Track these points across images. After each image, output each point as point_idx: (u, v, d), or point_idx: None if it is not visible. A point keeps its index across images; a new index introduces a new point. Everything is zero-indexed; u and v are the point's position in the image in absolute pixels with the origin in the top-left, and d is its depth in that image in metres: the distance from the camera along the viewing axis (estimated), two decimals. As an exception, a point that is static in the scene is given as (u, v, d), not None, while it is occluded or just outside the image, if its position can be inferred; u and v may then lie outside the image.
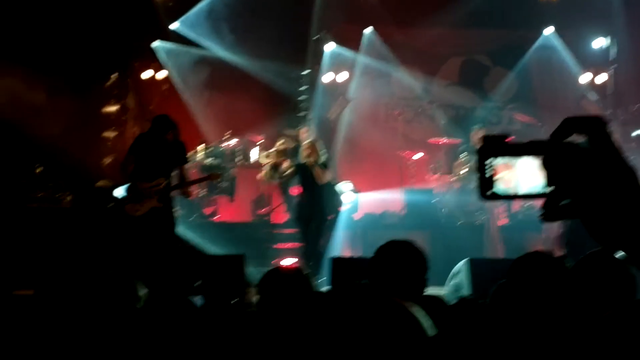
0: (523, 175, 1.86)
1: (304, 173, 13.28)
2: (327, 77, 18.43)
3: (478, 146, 1.88)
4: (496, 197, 1.87)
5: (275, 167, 14.21)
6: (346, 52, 18.44)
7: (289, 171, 13.74)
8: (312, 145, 13.24)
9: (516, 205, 15.99)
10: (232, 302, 10.09)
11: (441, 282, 9.98)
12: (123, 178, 11.62)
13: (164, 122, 11.55)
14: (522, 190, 1.88)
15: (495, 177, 1.88)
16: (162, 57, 18.00)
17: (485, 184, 1.86)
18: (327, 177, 13.28)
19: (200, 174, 15.75)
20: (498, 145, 1.88)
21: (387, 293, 4.53)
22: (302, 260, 13.25)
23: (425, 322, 2.91)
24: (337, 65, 18.45)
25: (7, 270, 11.12)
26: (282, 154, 14.69)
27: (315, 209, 13.25)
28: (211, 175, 13.84)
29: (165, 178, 11.50)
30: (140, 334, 3.09)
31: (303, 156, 13.22)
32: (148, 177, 11.39)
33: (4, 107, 15.68)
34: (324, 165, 13.29)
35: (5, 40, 15.61)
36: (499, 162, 1.88)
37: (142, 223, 11.36)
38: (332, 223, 14.70)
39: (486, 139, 1.88)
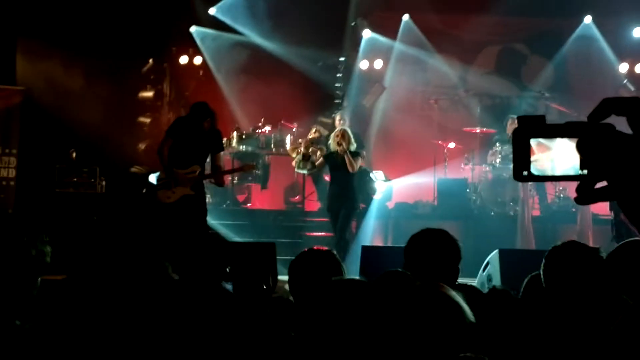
0: (559, 156, 1.83)
1: (334, 162, 12.99)
2: (363, 64, 18.38)
3: (514, 128, 1.84)
4: (531, 178, 1.83)
5: (305, 157, 13.75)
6: (383, 39, 18.37)
7: (318, 162, 13.54)
8: (343, 133, 12.90)
9: (550, 196, 15.91)
10: (262, 289, 10.11)
11: (473, 273, 9.94)
12: (160, 161, 11.59)
13: (203, 109, 11.46)
14: (557, 171, 1.84)
15: (531, 158, 1.84)
16: (199, 42, 18.01)
17: (521, 165, 1.83)
18: (357, 165, 12.93)
19: (233, 161, 15.78)
20: (535, 127, 1.84)
21: (421, 281, 4.51)
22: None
23: (467, 308, 2.88)
24: (374, 52, 18.39)
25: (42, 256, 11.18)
26: (314, 142, 14.59)
27: (345, 199, 12.95)
28: (245, 166, 13.78)
29: (199, 166, 11.45)
30: (173, 318, 3.07)
31: (333, 144, 12.93)
32: (182, 164, 11.36)
33: (42, 92, 15.77)
34: (355, 154, 12.93)
35: (44, 25, 15.68)
36: (535, 143, 1.84)
37: (174, 210, 11.33)
38: (364, 212, 14.69)
39: (523, 119, 1.84)
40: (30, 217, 13.67)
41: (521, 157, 1.82)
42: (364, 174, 15.12)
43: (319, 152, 14.12)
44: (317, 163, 13.59)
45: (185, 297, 3.14)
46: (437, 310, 2.91)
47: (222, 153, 12.02)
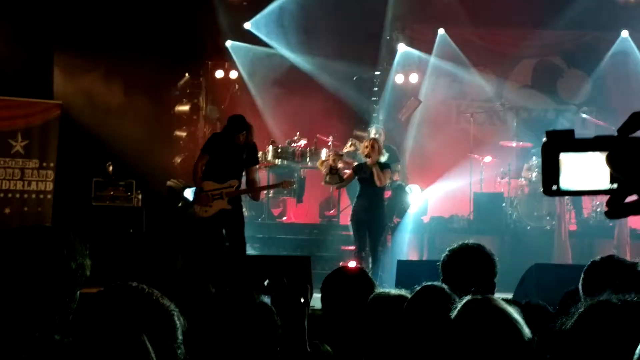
0: (588, 171, 1.81)
1: (363, 174, 12.52)
2: (398, 78, 18.37)
3: (543, 142, 1.83)
4: (561, 192, 1.82)
5: (332, 170, 13.28)
6: (418, 53, 18.36)
7: (347, 175, 13.07)
8: (372, 144, 12.46)
9: (586, 210, 15.81)
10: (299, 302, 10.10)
11: (509, 288, 9.88)
12: (194, 178, 11.64)
13: (239, 123, 11.48)
14: (587, 186, 1.83)
15: (560, 172, 1.83)
16: (234, 56, 18.09)
17: (550, 179, 1.82)
18: (386, 179, 12.55)
19: (269, 175, 15.81)
20: (563, 140, 1.83)
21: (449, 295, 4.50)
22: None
23: (523, 325, 2.85)
24: (409, 66, 18.38)
25: (75, 269, 11.22)
26: (347, 155, 14.49)
27: (374, 214, 12.47)
28: (284, 183, 13.46)
29: (237, 180, 11.47)
30: (211, 330, 3.07)
31: (363, 155, 12.59)
32: (220, 178, 11.38)
33: (79, 105, 15.89)
34: (385, 166, 12.50)
35: (82, 38, 15.80)
36: (564, 157, 1.83)
37: (211, 224, 11.35)
38: (399, 226, 14.66)
39: (551, 134, 1.83)
40: (69, 230, 13.73)
41: (550, 171, 1.81)
42: (399, 188, 15.10)
43: (342, 166, 13.61)
44: (345, 176, 13.14)
45: (223, 310, 3.14)
46: (494, 327, 2.88)
47: (256, 167, 12.04)
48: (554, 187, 1.82)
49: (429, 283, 4.11)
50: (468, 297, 3.35)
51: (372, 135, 15.06)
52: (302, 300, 3.59)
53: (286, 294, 3.57)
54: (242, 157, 11.46)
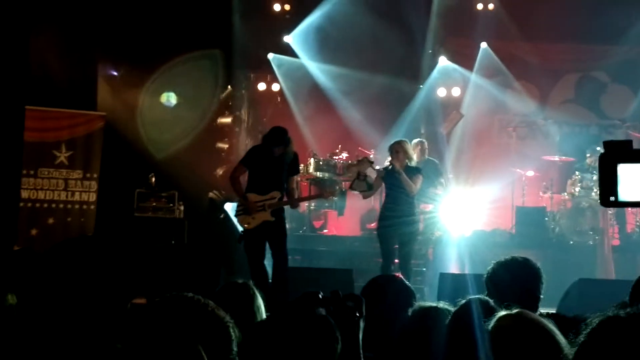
0: None
1: (390, 179, 11.77)
2: (441, 91, 18.35)
3: (601, 153, 1.82)
4: (619, 203, 1.80)
5: (360, 176, 12.25)
6: (460, 67, 18.32)
7: (375, 181, 12.16)
8: (396, 148, 11.76)
9: (630, 225, 15.69)
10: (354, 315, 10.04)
11: (551, 303, 9.81)
12: (234, 188, 11.66)
13: (277, 136, 11.44)
14: None
15: (618, 184, 1.81)
16: (276, 69, 18.13)
17: (608, 190, 1.80)
18: (418, 186, 11.69)
19: (310, 187, 15.83)
20: (621, 151, 1.81)
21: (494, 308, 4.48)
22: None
23: (562, 339, 2.83)
24: (451, 79, 18.34)
25: (122, 280, 11.28)
26: (372, 162, 13.60)
27: (402, 224, 11.67)
28: (325, 193, 12.95)
29: (278, 191, 11.47)
30: (270, 343, 3.07)
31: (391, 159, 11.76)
32: (262, 190, 11.38)
33: (122, 117, 16.02)
34: (416, 171, 11.79)
35: (125, 50, 15.93)
36: (621, 168, 1.81)
37: (254, 235, 11.35)
38: (441, 239, 14.64)
39: (609, 144, 1.81)
40: (117, 240, 13.84)
41: (608, 183, 1.80)
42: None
43: (369, 171, 12.43)
44: (373, 183, 12.18)
45: (284, 322, 3.13)
46: (530, 340, 2.86)
47: (297, 176, 12.01)
48: (612, 198, 1.81)
49: (474, 296, 4.09)
50: (503, 312, 3.33)
51: (415, 149, 15.04)
52: (358, 313, 3.58)
53: (342, 306, 3.56)
54: (283, 168, 11.41)
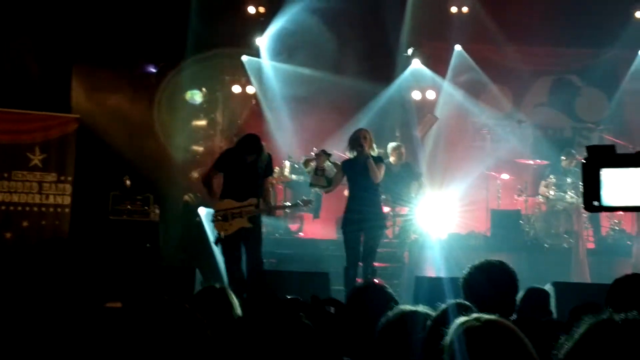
0: (630, 186, 1.80)
1: (352, 169, 11.37)
2: (415, 94, 18.36)
3: (584, 157, 1.83)
4: (602, 208, 1.81)
5: (318, 171, 11.87)
6: (433, 70, 18.34)
7: (335, 174, 11.69)
8: (367, 133, 11.37)
9: (604, 229, 15.77)
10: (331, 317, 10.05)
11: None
12: (208, 192, 11.67)
13: (249, 144, 11.41)
14: (630, 202, 1.82)
15: (601, 188, 1.82)
16: (249, 71, 18.09)
17: (591, 195, 1.81)
18: (381, 174, 11.25)
19: (285, 190, 15.83)
20: (605, 156, 1.82)
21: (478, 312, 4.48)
22: (348, 277, 11.33)
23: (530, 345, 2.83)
24: (425, 82, 18.35)
25: (96, 283, 11.23)
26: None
27: (368, 225, 11.33)
28: (304, 201, 12.57)
29: (256, 198, 11.45)
30: (248, 347, 3.06)
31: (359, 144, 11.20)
32: (239, 197, 11.37)
33: (96, 119, 15.94)
34: (379, 160, 11.37)
35: (99, 52, 15.86)
36: (605, 173, 1.82)
37: (230, 242, 11.35)
38: (418, 242, 14.67)
39: (593, 149, 1.82)
40: (91, 243, 13.82)
41: (592, 187, 1.80)
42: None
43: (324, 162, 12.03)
44: (334, 177, 11.79)
45: (264, 326, 3.13)
46: (506, 347, 2.86)
47: (271, 177, 11.99)
48: (596, 203, 1.81)
49: (454, 301, 4.10)
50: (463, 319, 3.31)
51: (389, 151, 15.08)
52: (338, 318, 3.57)
53: (322, 312, 3.55)
54: (258, 173, 11.42)
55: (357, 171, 11.26)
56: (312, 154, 13.10)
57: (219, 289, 4.90)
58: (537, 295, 7.13)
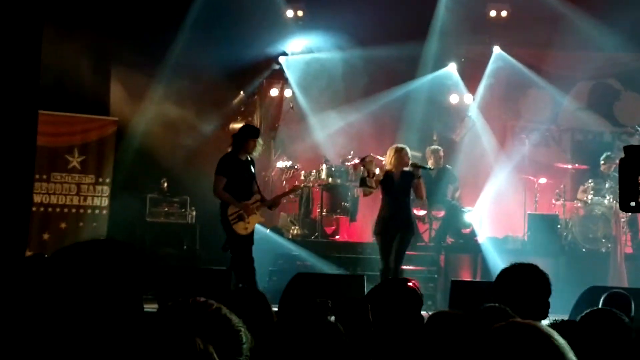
0: None
1: (388, 183, 12.04)
2: (453, 98, 18.30)
3: (621, 157, 1.82)
4: (639, 208, 1.80)
5: (369, 174, 12.27)
6: (470, 73, 18.24)
7: (376, 178, 12.15)
8: (399, 151, 12.08)
9: (643, 234, 15.66)
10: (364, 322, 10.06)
11: (564, 310, 9.78)
12: (224, 200, 11.85)
13: (254, 129, 12.24)
14: None
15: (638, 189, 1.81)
16: (288, 71, 18.10)
17: (628, 195, 1.80)
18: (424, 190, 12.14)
19: (322, 193, 15.87)
20: None
21: (511, 315, 4.46)
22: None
23: (567, 348, 2.79)
24: (461, 85, 18.26)
25: (133, 285, 11.26)
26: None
27: (400, 224, 11.96)
28: (294, 187, 14.40)
29: (258, 194, 12.01)
30: (280, 350, 3.06)
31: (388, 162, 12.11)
32: (245, 197, 11.82)
33: (135, 122, 16.01)
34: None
35: (138, 55, 15.92)
36: None
37: (248, 241, 11.86)
38: (453, 246, 14.62)
39: (630, 149, 1.81)
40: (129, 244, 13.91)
41: (629, 187, 1.79)
42: (454, 208, 15.07)
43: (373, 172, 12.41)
44: (375, 180, 12.19)
45: (293, 329, 3.12)
46: (535, 350, 2.83)
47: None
48: (632, 203, 1.80)
49: (490, 304, 4.08)
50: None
51: (428, 155, 15.11)
52: (366, 320, 3.56)
53: (351, 314, 3.54)
54: (252, 172, 11.97)
55: (394, 181, 11.96)
56: (365, 158, 13.02)
57: (255, 290, 4.91)
58: (618, 300, 7.13)
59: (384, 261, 11.95)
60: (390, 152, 12.17)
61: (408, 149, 12.36)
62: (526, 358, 2.73)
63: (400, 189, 11.99)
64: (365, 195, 12.78)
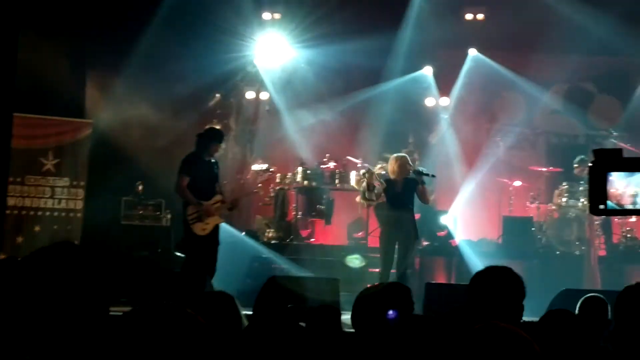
0: (637, 190, 1.80)
1: (393, 190, 12.41)
2: (429, 101, 18.33)
3: (591, 161, 1.83)
4: (608, 212, 1.81)
5: (370, 187, 12.80)
6: (446, 76, 18.27)
7: (380, 190, 12.61)
8: (400, 160, 12.53)
9: (616, 236, 15.72)
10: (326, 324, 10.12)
11: (537, 313, 9.81)
12: (186, 199, 11.87)
13: (219, 133, 12.27)
14: (637, 205, 1.82)
15: (607, 192, 1.82)
16: (264, 76, 18.06)
17: (597, 198, 1.81)
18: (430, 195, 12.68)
19: (297, 196, 15.88)
20: (612, 160, 1.82)
21: (485, 318, 4.47)
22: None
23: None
24: (438, 88, 18.29)
25: (106, 288, 11.22)
26: (378, 176, 14.30)
27: (404, 230, 12.29)
28: (258, 189, 15.00)
29: (219, 195, 12.10)
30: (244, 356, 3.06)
31: (391, 174, 12.50)
32: (205, 197, 11.88)
33: (110, 124, 15.94)
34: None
35: (114, 58, 15.86)
36: (612, 176, 1.82)
37: (209, 241, 11.86)
38: (428, 249, 14.65)
39: (599, 152, 1.82)
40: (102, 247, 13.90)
41: (598, 191, 1.80)
42: (429, 211, 15.09)
43: (377, 184, 12.88)
44: (378, 191, 12.67)
45: (264, 335, 3.13)
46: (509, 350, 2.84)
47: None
48: (601, 207, 1.81)
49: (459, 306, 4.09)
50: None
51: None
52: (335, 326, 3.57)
53: (321, 319, 3.55)
54: (216, 173, 12.12)
55: (397, 190, 12.32)
56: (362, 173, 13.75)
57: (224, 294, 4.90)
58: (595, 304, 7.19)
59: (385, 267, 12.24)
60: (392, 162, 12.51)
61: (408, 157, 12.82)
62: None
63: (404, 197, 12.32)
64: (367, 207, 13.51)
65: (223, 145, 12.07)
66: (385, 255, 12.30)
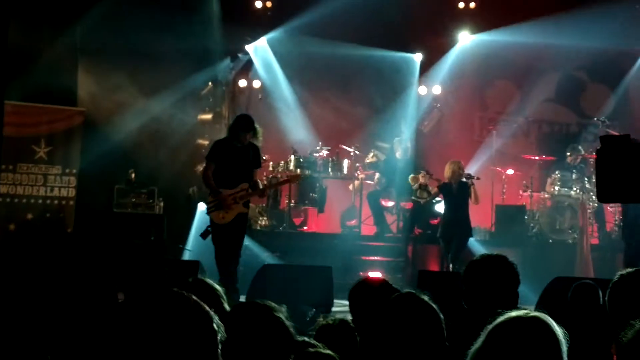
0: None
1: (449, 191, 13.56)
2: (421, 90, 18.32)
3: (597, 148, 1.82)
4: (616, 198, 1.80)
5: (422, 186, 14.55)
6: (439, 64, 18.26)
7: (434, 191, 14.26)
8: (455, 165, 13.59)
9: (609, 225, 15.76)
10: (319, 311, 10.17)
11: (530, 301, 9.86)
12: (207, 186, 11.73)
13: (247, 121, 11.70)
14: None
15: (614, 178, 1.81)
16: (257, 65, 18.03)
17: (605, 185, 1.80)
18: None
19: (291, 185, 15.83)
20: (619, 146, 1.81)
21: (480, 306, 4.50)
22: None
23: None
24: (432, 77, 18.28)
25: (99, 275, 11.21)
26: (368, 167, 14.84)
27: (459, 227, 13.47)
28: (291, 178, 13.92)
29: (247, 182, 11.62)
30: (229, 341, 3.05)
31: (452, 174, 13.55)
32: (230, 184, 11.50)
33: (102, 112, 15.90)
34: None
35: (106, 46, 15.80)
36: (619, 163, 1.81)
37: (229, 229, 11.42)
38: (423, 237, 14.69)
39: (606, 139, 1.81)
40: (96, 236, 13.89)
41: (605, 177, 1.79)
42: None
43: (428, 185, 14.59)
44: (433, 192, 14.32)
45: (244, 320, 3.13)
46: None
47: (259, 169, 12.11)
48: (610, 193, 1.80)
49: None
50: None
51: (395, 146, 15.23)
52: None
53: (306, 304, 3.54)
54: (248, 159, 11.62)
55: (453, 192, 13.58)
56: (419, 172, 14.92)
57: (203, 281, 4.90)
58: (586, 290, 7.23)
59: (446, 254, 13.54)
60: (448, 166, 13.61)
61: (462, 163, 13.99)
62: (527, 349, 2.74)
63: (458, 197, 13.51)
64: (422, 204, 14.91)
65: (259, 130, 11.73)
66: (445, 249, 13.56)
